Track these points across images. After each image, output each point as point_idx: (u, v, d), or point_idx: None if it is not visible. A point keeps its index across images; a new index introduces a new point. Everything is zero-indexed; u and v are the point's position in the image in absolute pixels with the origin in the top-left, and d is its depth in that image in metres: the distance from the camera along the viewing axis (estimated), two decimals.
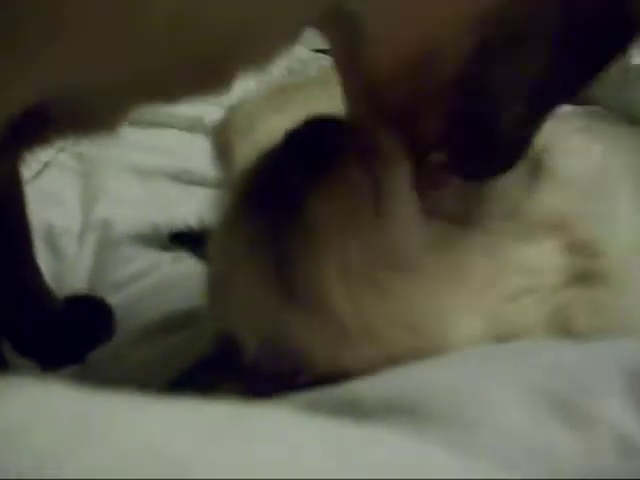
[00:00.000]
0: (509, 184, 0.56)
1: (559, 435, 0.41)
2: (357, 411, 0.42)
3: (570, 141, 0.61)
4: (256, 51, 0.49)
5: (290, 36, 0.49)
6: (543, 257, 0.54)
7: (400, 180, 0.52)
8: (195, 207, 0.99)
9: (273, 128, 0.86)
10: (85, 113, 0.51)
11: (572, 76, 0.50)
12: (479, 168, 0.54)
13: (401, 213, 0.51)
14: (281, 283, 0.50)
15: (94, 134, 0.53)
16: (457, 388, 0.42)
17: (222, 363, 0.53)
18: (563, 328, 0.54)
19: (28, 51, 0.42)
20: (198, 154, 1.08)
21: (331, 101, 0.87)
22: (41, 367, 0.75)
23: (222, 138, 1.06)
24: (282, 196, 0.52)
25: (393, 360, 0.47)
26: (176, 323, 0.74)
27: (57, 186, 1.03)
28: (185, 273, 0.87)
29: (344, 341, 0.49)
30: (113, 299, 0.84)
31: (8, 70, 0.43)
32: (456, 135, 0.52)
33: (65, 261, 0.91)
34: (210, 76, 0.50)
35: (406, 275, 0.50)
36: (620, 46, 0.48)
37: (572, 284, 0.53)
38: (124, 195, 1.01)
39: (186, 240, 0.84)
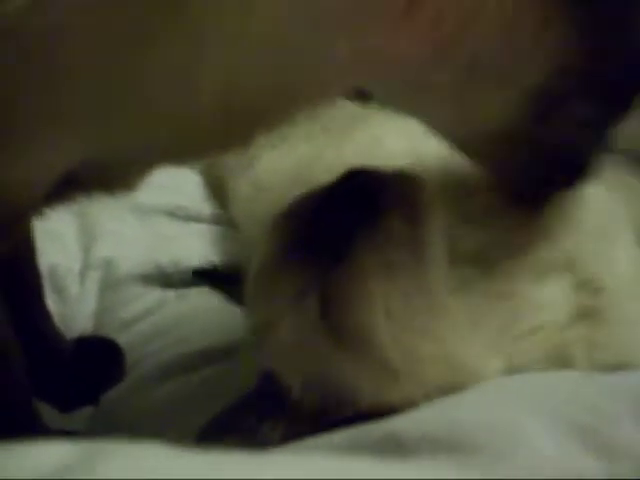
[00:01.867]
0: (523, 225, 0.60)
1: (584, 461, 0.44)
2: (399, 448, 0.45)
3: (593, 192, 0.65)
4: (283, 116, 0.53)
5: (316, 102, 0.53)
6: (553, 296, 0.58)
7: (435, 229, 0.56)
8: (193, 243, 1.01)
9: (273, 166, 0.89)
10: (114, 175, 0.54)
11: (612, 111, 0.58)
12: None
13: (435, 260, 0.55)
14: (329, 327, 0.54)
15: (117, 192, 0.56)
16: (492, 422, 0.45)
17: (264, 403, 0.55)
18: (563, 363, 0.58)
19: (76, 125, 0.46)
20: (192, 190, 1.10)
21: (327, 137, 0.90)
22: (58, 409, 0.77)
23: (214, 175, 1.09)
24: (329, 245, 0.56)
25: (432, 395, 0.51)
26: (191, 363, 0.76)
27: (56, 225, 1.03)
28: (191, 310, 0.88)
29: (390, 379, 0.53)
30: (120, 339, 0.85)
31: (53, 141, 0.46)
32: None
33: (69, 301, 0.92)
34: (239, 139, 0.53)
35: (441, 317, 0.54)
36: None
37: (576, 321, 0.57)
38: (122, 233, 1.02)
39: (208, 277, 0.85)
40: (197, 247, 0.98)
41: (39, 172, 0.49)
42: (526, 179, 0.61)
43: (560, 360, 0.58)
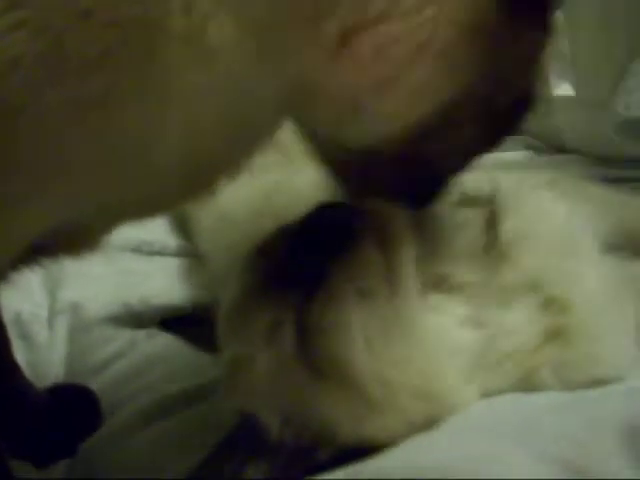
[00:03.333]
0: (485, 252, 0.61)
1: None
2: None
3: (538, 202, 0.66)
4: (247, 161, 0.54)
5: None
6: (521, 320, 0.59)
7: (408, 258, 0.57)
8: (161, 279, 1.00)
9: (236, 197, 0.89)
10: (79, 237, 0.53)
11: (492, 138, 0.62)
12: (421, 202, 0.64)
13: (409, 289, 0.56)
14: (305, 358, 0.53)
15: (83, 252, 0.56)
16: (476, 459, 0.46)
17: (245, 444, 0.54)
18: (531, 386, 0.59)
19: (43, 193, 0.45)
20: (155, 224, 1.09)
21: (290, 166, 0.90)
22: (33, 464, 0.75)
23: (177, 209, 1.08)
24: (303, 276, 0.56)
25: (410, 426, 0.51)
26: (169, 406, 0.75)
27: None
28: (163, 350, 0.87)
29: (369, 411, 0.53)
30: (93, 384, 0.83)
31: (19, 216, 0.46)
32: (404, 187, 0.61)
33: (38, 349, 0.90)
34: (204, 188, 0.53)
35: (417, 347, 0.54)
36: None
37: (545, 343, 0.58)
38: (87, 273, 1.00)
39: (175, 323, 0.84)
40: (165, 283, 0.97)
41: (5, 244, 0.48)
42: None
43: (530, 383, 0.59)
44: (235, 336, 0.59)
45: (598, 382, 0.59)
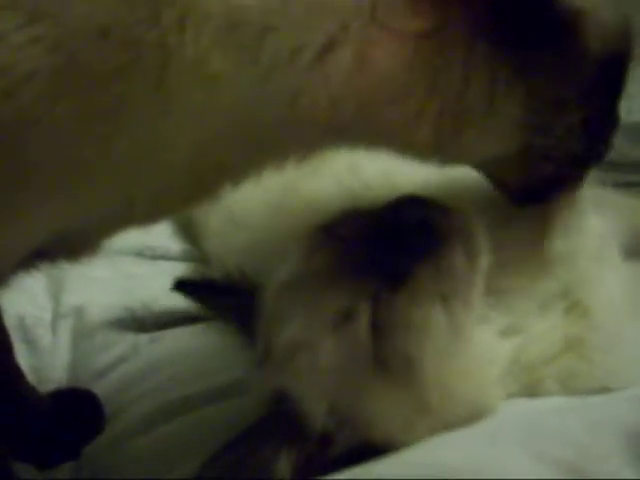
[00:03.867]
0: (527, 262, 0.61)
1: None
2: None
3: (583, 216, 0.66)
4: (250, 172, 0.55)
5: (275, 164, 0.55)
6: (547, 327, 0.59)
7: (485, 264, 0.57)
8: (163, 283, 1.00)
9: (246, 199, 0.89)
10: (80, 243, 0.54)
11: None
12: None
13: (478, 299, 0.56)
14: (377, 353, 0.53)
15: (83, 258, 0.57)
16: (476, 462, 0.46)
17: (279, 430, 0.53)
18: (535, 392, 0.59)
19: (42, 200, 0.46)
20: (158, 229, 1.10)
21: (301, 168, 0.90)
22: (37, 467, 0.75)
23: (182, 213, 1.08)
24: (383, 269, 0.55)
25: (443, 430, 0.52)
26: (172, 409, 0.75)
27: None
28: (165, 354, 0.87)
29: (423, 416, 0.53)
30: (96, 388, 0.84)
31: (21, 224, 0.47)
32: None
33: (41, 353, 0.90)
34: (207, 194, 0.54)
35: (473, 358, 0.55)
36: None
37: (562, 353, 0.58)
38: (91, 277, 1.01)
39: (192, 289, 0.82)
40: (167, 288, 0.97)
41: (9, 250, 0.49)
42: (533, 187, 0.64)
43: (534, 390, 0.59)
44: (290, 318, 0.57)
45: (602, 390, 0.59)
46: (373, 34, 0.49)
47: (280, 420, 0.53)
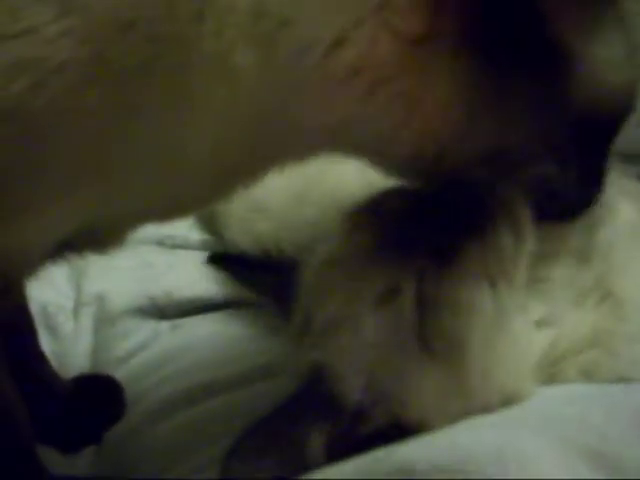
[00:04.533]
0: (567, 253, 0.61)
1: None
2: (409, 476, 0.45)
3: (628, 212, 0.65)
4: (266, 172, 0.56)
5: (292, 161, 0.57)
6: (584, 320, 0.59)
7: (530, 248, 0.56)
8: (183, 272, 1.01)
9: (270, 186, 0.89)
10: (106, 236, 0.56)
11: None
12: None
13: (521, 283, 0.56)
14: (421, 330, 0.52)
15: (108, 250, 0.59)
16: (500, 447, 0.46)
17: (312, 407, 0.52)
18: (555, 380, 0.59)
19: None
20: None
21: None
22: (60, 451, 0.76)
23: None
24: (428, 246, 0.54)
25: (478, 413, 0.52)
26: (193, 396, 0.76)
27: None
28: (185, 342, 0.88)
29: (460, 397, 0.53)
30: (117, 374, 0.85)
31: (51, 214, 0.48)
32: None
33: (63, 340, 0.92)
34: (225, 193, 0.55)
35: (513, 343, 0.55)
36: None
37: (588, 348, 0.58)
38: (112, 266, 1.02)
39: (228, 263, 0.81)
40: (187, 276, 0.98)
41: (37, 242, 0.51)
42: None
43: (553, 380, 0.59)
44: (333, 295, 0.56)
45: (623, 380, 0.59)
46: (378, 33, 0.49)
47: (315, 396, 0.53)
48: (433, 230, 0.55)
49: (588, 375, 0.59)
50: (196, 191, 0.53)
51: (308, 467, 0.50)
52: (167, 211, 0.57)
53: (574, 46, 0.53)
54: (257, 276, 0.76)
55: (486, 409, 0.53)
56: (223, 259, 0.80)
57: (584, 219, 0.63)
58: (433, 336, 0.52)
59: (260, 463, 0.50)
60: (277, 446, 0.51)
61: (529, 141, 0.56)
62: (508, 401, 0.54)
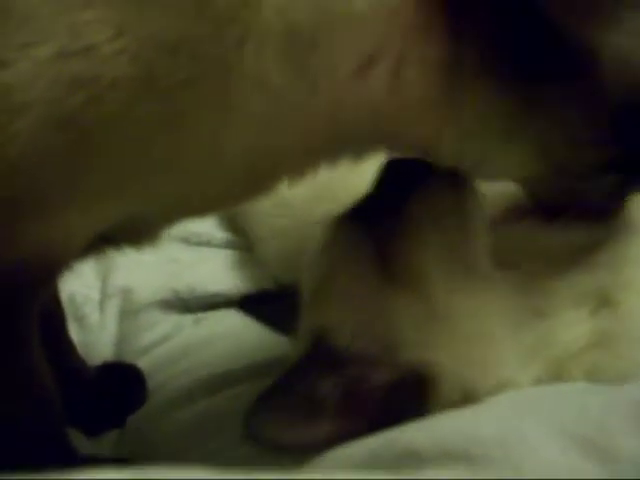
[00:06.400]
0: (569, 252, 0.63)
1: (587, 466, 0.47)
2: (418, 462, 0.48)
3: None
4: (301, 171, 0.60)
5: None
6: (581, 322, 0.61)
7: (477, 212, 0.63)
8: (207, 269, 1.04)
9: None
10: (142, 231, 0.60)
11: None
12: None
13: (479, 238, 0.62)
14: (383, 267, 0.60)
15: (145, 245, 0.63)
16: (503, 433, 0.48)
17: (318, 361, 0.58)
18: (559, 379, 0.61)
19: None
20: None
21: None
22: (85, 434, 0.80)
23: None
24: (382, 205, 0.63)
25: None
26: (214, 385, 0.79)
27: None
28: (208, 334, 0.91)
29: (431, 325, 0.58)
30: (141, 363, 0.88)
31: (95, 210, 0.53)
32: None
33: (89, 329, 0.95)
34: (259, 191, 0.59)
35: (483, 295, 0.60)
36: None
37: (587, 350, 0.60)
38: (138, 260, 1.05)
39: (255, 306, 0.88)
40: (211, 273, 1.02)
41: (80, 235, 0.54)
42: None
43: (557, 376, 0.61)
44: (318, 261, 0.64)
45: (625, 379, 0.60)
46: (404, 59, 0.53)
47: (318, 352, 0.59)
48: (388, 198, 0.63)
49: (592, 376, 0.61)
50: (234, 187, 0.58)
51: (320, 416, 0.56)
52: (202, 208, 0.61)
53: (595, 44, 0.54)
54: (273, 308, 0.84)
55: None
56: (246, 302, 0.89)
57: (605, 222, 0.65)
58: (394, 268, 0.59)
59: (277, 417, 0.57)
60: (290, 400, 0.57)
61: (567, 144, 0.58)
62: (492, 380, 0.58)
